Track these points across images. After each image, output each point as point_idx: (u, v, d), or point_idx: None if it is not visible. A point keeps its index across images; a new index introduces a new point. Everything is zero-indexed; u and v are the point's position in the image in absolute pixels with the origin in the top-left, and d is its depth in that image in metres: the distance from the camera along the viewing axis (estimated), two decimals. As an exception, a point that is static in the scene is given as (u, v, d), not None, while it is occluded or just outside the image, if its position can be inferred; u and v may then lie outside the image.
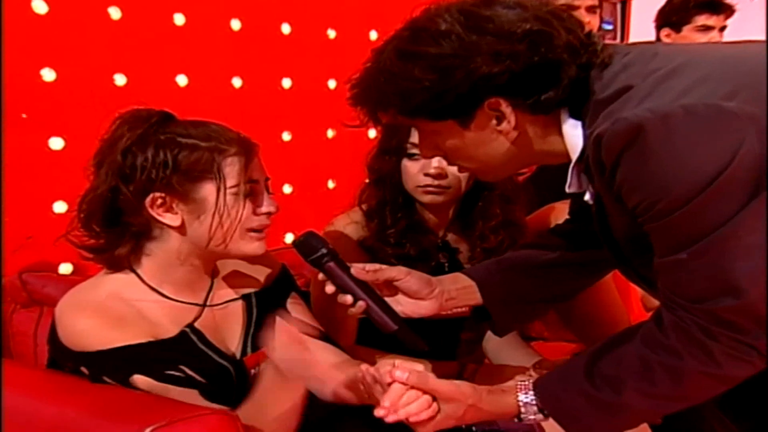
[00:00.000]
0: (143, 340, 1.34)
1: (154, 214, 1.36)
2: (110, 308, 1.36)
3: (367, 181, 1.85)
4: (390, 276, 1.44)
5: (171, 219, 1.36)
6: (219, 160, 1.36)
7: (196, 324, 1.43)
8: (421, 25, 1.22)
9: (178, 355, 1.37)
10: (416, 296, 1.45)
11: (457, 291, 1.50)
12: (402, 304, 1.45)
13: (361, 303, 1.39)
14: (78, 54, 1.91)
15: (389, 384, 1.26)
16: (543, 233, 1.64)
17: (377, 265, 1.44)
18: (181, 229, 1.38)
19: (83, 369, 1.33)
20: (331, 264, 1.39)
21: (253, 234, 1.41)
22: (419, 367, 1.28)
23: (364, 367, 1.31)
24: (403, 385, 1.26)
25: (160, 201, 1.35)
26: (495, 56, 1.18)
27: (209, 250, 1.40)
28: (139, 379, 1.32)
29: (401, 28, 1.25)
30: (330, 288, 1.40)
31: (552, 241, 1.57)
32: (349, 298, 1.39)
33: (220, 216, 1.36)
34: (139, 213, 1.36)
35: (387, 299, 1.42)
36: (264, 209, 1.41)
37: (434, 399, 1.27)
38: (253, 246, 1.41)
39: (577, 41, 1.21)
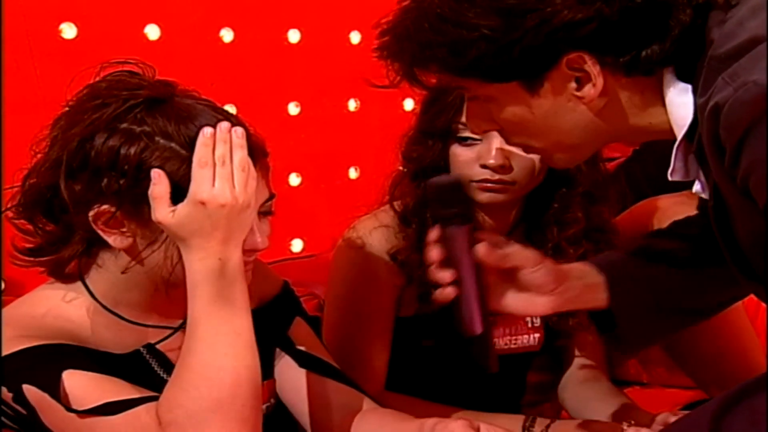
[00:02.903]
0: (75, 343, 1.36)
1: (98, 230, 1.35)
2: (49, 327, 1.37)
3: (401, 168, 1.84)
4: (518, 263, 1.40)
5: (118, 240, 1.36)
6: None
7: (159, 345, 1.45)
8: None
9: (121, 373, 1.36)
10: (538, 290, 1.42)
11: (581, 288, 1.45)
12: (508, 298, 1.42)
13: (449, 289, 1.37)
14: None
15: None
16: (664, 229, 1.60)
17: (503, 243, 1.40)
18: (132, 252, 1.38)
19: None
20: (460, 230, 1.37)
21: None
22: None
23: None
24: None
25: (105, 217, 1.34)
26: None
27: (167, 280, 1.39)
28: (71, 375, 1.31)
29: None
30: (436, 253, 1.38)
31: (690, 231, 1.52)
32: (447, 276, 1.37)
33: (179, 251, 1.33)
34: (84, 220, 1.36)
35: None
36: (248, 245, 1.37)
37: None
38: None
39: None
